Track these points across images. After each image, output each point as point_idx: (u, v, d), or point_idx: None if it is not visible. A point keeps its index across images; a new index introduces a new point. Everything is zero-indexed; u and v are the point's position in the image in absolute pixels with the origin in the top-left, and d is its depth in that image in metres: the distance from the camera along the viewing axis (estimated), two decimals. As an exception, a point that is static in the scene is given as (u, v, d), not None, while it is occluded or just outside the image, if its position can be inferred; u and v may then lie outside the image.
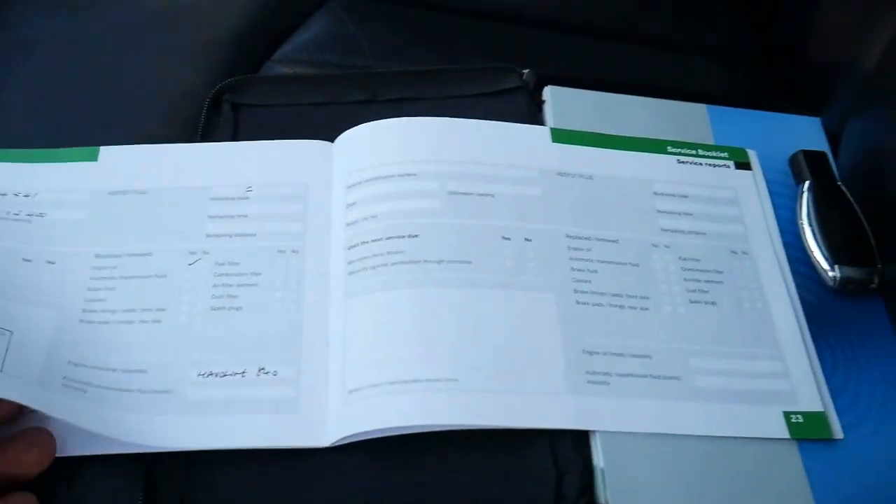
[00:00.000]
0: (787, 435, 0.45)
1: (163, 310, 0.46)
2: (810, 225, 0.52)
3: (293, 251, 0.49)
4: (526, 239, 0.49)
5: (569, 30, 0.66)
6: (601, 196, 0.52)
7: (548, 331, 0.46)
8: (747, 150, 0.55)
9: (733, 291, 0.50)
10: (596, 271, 0.49)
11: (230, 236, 0.49)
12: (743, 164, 0.55)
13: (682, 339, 0.48)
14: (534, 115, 0.56)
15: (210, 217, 0.50)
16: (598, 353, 0.46)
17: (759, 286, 0.50)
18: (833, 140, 0.58)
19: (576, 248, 0.49)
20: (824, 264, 0.51)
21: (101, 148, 0.52)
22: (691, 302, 0.49)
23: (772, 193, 0.54)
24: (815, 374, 0.48)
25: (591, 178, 0.52)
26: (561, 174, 0.52)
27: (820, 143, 0.58)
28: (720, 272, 0.50)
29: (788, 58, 0.66)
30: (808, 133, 0.58)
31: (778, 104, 0.60)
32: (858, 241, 0.52)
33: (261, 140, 0.53)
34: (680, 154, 0.54)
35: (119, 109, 0.57)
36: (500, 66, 0.57)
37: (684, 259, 0.50)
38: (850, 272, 0.51)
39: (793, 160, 0.56)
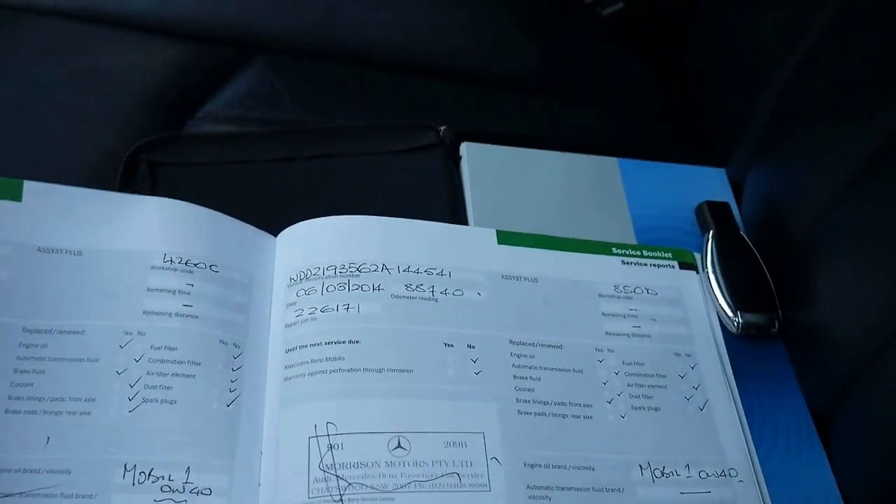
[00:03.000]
0: None
1: (92, 400, 0.42)
2: (714, 273, 0.54)
3: (235, 344, 0.46)
4: (469, 345, 0.48)
5: (488, 84, 0.67)
6: (546, 299, 0.51)
7: (489, 445, 0.45)
8: (692, 252, 0.55)
9: (677, 396, 0.49)
10: (539, 379, 0.48)
11: (169, 315, 0.45)
12: (687, 265, 0.55)
13: (625, 449, 0.47)
14: (450, 170, 0.58)
15: (149, 290, 0.46)
16: (539, 465, 0.45)
17: (703, 389, 0.50)
18: (738, 190, 0.61)
19: (519, 355, 0.48)
20: (728, 311, 0.53)
21: (25, 183, 0.46)
22: (634, 408, 0.48)
23: (681, 243, 0.56)
24: (757, 481, 0.48)
25: (536, 280, 0.52)
26: (506, 277, 0.51)
27: (725, 192, 0.61)
28: (664, 376, 0.50)
29: (698, 110, 0.69)
30: (714, 183, 0.61)
31: (688, 155, 0.63)
32: (760, 288, 0.54)
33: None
34: (624, 255, 0.54)
35: (35, 171, 0.55)
36: (417, 123, 0.59)
37: (628, 363, 0.50)
38: (752, 318, 0.53)
39: (698, 210, 0.58)
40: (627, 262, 0.54)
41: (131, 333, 0.44)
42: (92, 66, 0.63)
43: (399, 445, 0.44)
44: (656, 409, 0.49)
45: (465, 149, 0.58)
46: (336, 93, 0.65)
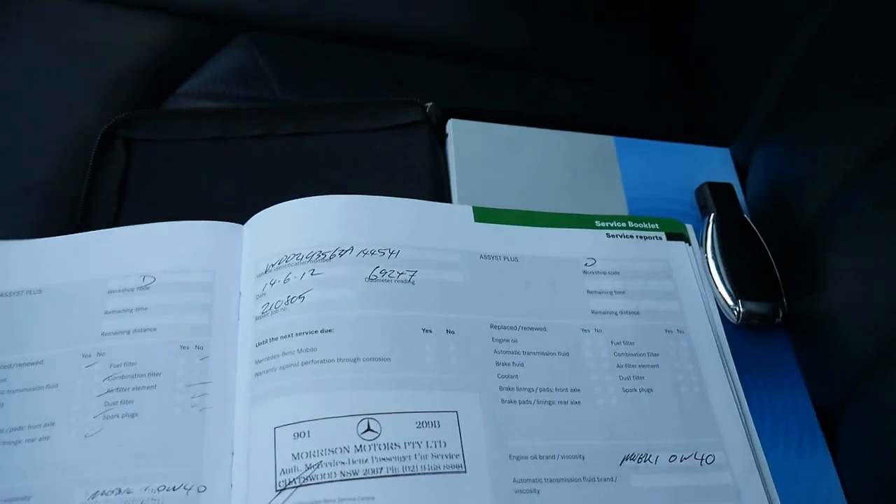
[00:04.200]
0: None
1: (52, 424, 0.42)
2: (714, 259, 0.51)
3: (197, 347, 0.45)
4: (448, 331, 0.45)
5: (479, 60, 0.65)
6: (527, 279, 0.48)
7: (471, 437, 0.42)
8: (682, 222, 0.53)
9: (669, 375, 0.46)
10: (523, 364, 0.45)
11: (127, 333, 0.45)
12: (675, 235, 0.52)
13: (617, 435, 0.44)
14: (436, 149, 0.55)
15: (106, 313, 0.45)
16: (526, 457, 0.42)
17: (697, 367, 0.47)
18: (742, 171, 0.58)
19: (501, 340, 0.46)
20: (728, 300, 0.50)
21: None
22: (625, 391, 0.45)
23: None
24: (758, 462, 0.45)
25: (516, 259, 0.49)
26: (484, 257, 0.49)
27: (729, 174, 0.57)
28: (655, 354, 0.47)
29: (700, 87, 0.65)
30: (716, 164, 0.58)
31: (690, 135, 0.60)
32: (763, 275, 0.51)
33: (152, 182, 0.52)
34: (608, 228, 0.51)
35: (12, 150, 0.55)
36: (402, 100, 0.56)
37: (617, 343, 0.47)
38: (754, 307, 0.50)
39: (698, 192, 0.55)
40: (612, 235, 0.51)
41: (90, 356, 0.44)
42: (74, 41, 0.62)
43: (369, 428, 0.41)
44: (649, 391, 0.46)
45: (452, 126, 0.56)
46: (322, 71, 0.62)
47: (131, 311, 0.46)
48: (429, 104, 0.56)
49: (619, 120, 0.61)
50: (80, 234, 0.49)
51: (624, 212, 0.54)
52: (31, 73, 0.60)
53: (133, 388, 0.43)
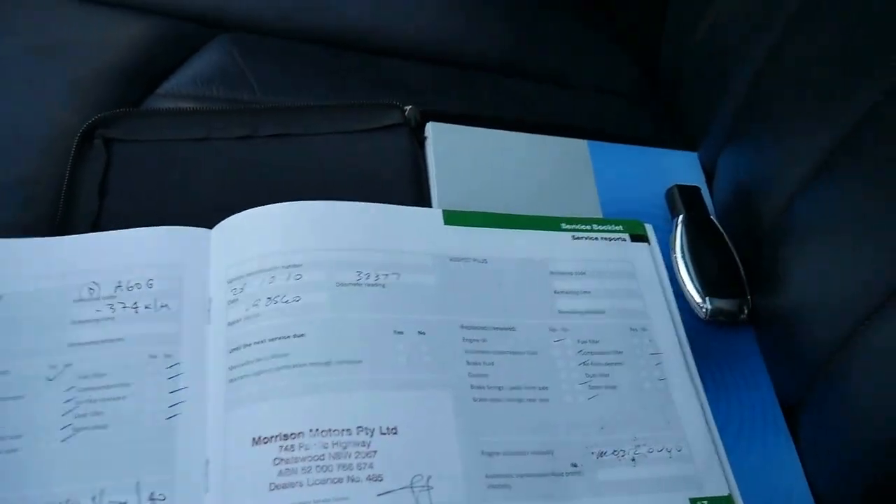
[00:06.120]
0: None
1: (19, 437, 0.41)
2: (683, 258, 0.53)
3: (166, 355, 0.44)
4: (419, 332, 0.46)
5: (459, 65, 0.66)
6: (496, 280, 0.50)
7: (444, 434, 0.43)
8: (643, 223, 0.54)
9: (633, 372, 0.48)
10: (493, 363, 0.46)
11: (96, 343, 0.44)
12: (638, 237, 0.54)
13: (584, 431, 0.46)
14: (415, 151, 0.56)
15: (73, 323, 0.45)
16: (498, 453, 0.44)
17: (659, 363, 0.49)
18: (709, 174, 0.60)
19: (471, 340, 0.47)
20: (696, 297, 0.52)
21: None
22: (591, 388, 0.47)
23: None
24: (718, 453, 0.47)
25: (484, 261, 0.50)
26: (454, 259, 0.50)
27: (697, 177, 0.60)
28: (620, 352, 0.49)
29: (669, 94, 0.68)
30: (685, 167, 0.60)
31: (660, 139, 0.62)
32: (729, 273, 0.53)
33: (132, 181, 0.52)
34: (574, 230, 0.53)
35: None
36: (381, 103, 0.57)
37: (583, 342, 0.49)
38: (721, 304, 0.52)
39: (668, 194, 0.57)
40: (578, 238, 0.53)
41: (56, 366, 0.43)
42: (53, 40, 0.62)
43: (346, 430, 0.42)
44: (613, 388, 0.48)
45: (431, 129, 0.57)
46: (302, 73, 0.63)
47: (97, 321, 0.45)
48: (408, 107, 0.57)
49: (593, 124, 0.63)
50: (39, 238, 0.48)
51: (598, 212, 0.56)
52: (10, 70, 0.59)
53: (101, 400, 0.42)
